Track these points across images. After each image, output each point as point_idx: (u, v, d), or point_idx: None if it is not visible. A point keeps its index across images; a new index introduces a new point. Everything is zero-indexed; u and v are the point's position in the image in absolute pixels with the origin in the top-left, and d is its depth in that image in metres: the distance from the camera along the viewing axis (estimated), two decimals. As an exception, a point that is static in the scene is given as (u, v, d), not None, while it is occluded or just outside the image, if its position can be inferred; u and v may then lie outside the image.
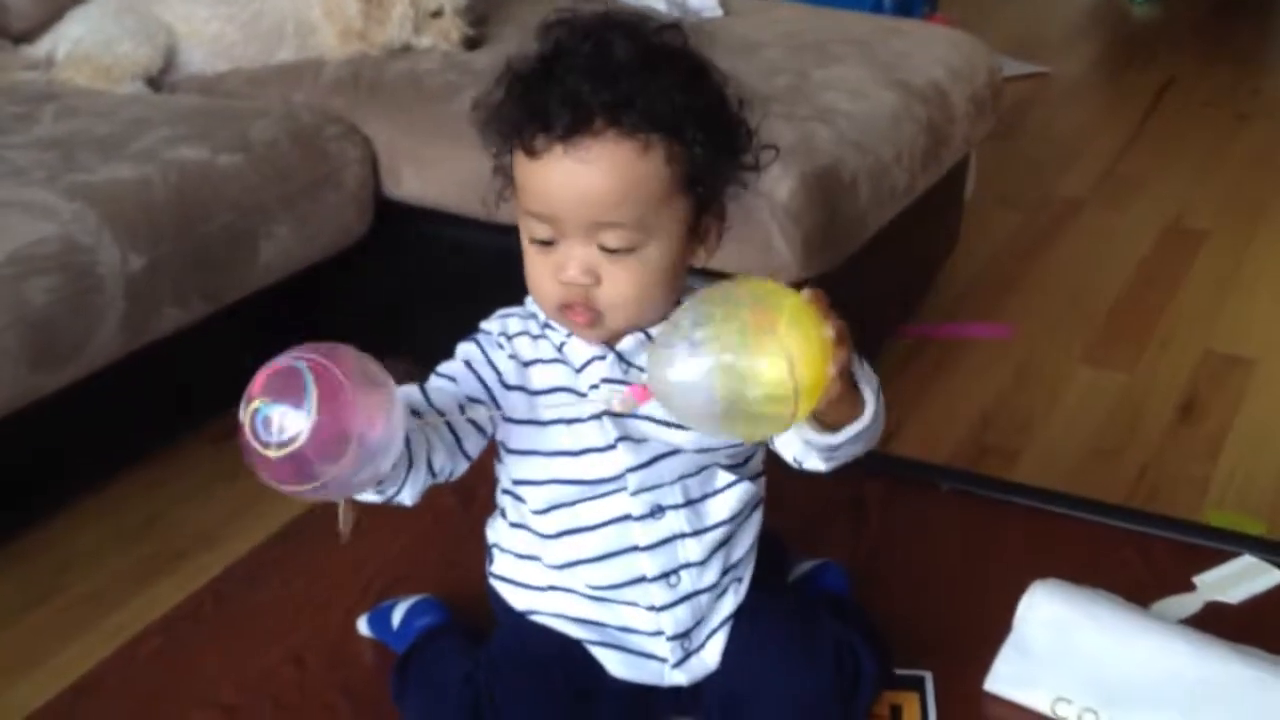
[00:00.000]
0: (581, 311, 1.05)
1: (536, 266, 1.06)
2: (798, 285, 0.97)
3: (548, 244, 1.05)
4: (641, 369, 1.08)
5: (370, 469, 0.92)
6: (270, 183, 2.19)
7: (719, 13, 2.79)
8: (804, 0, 3.12)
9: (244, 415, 0.90)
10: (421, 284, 2.45)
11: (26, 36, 2.52)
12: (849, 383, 0.98)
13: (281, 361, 0.91)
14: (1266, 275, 3.10)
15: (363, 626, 1.30)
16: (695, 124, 1.02)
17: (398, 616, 1.27)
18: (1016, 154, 3.71)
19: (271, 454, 0.89)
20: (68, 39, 2.45)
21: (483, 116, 1.06)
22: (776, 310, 0.90)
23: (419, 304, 2.44)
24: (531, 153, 1.02)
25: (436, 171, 2.31)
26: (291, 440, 0.88)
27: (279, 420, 0.88)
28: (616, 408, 0.99)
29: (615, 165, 1.00)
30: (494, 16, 2.70)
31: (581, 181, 1.01)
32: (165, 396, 2.27)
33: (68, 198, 1.95)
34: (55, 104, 2.29)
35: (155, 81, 2.46)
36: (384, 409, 0.92)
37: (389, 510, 1.06)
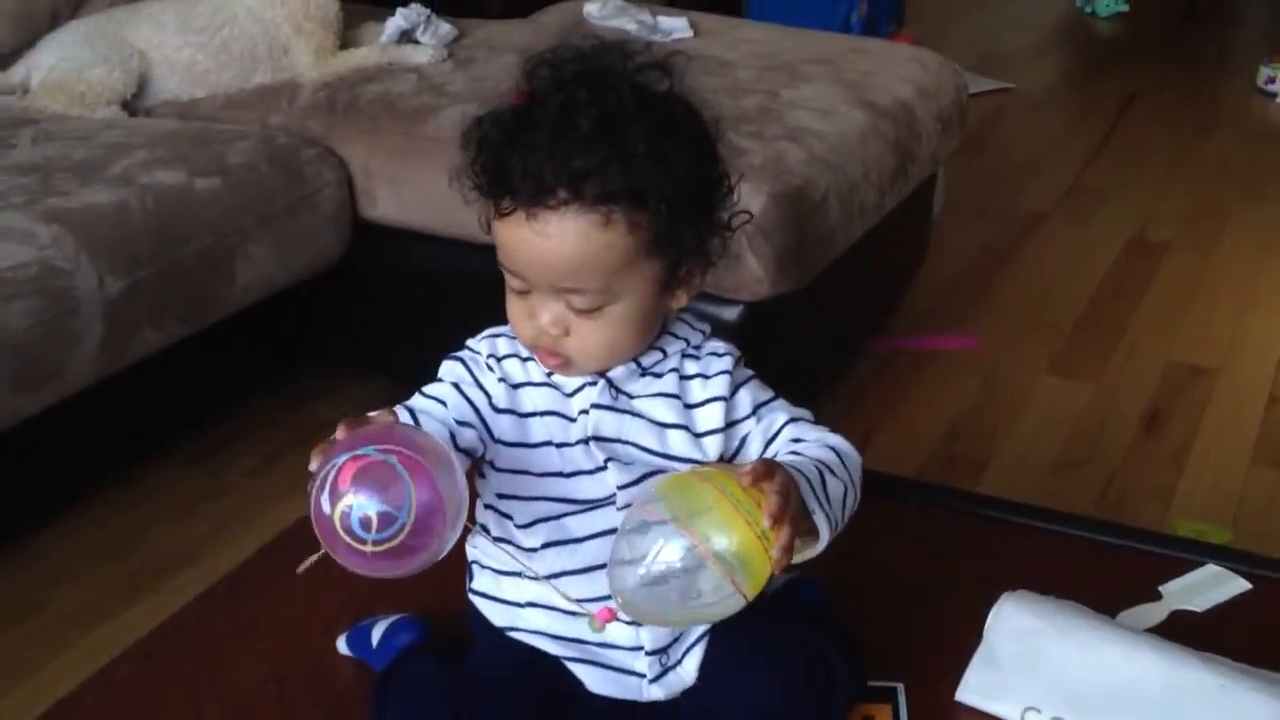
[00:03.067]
0: (551, 356, 1.09)
1: (513, 305, 1.09)
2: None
3: (523, 292, 1.07)
4: (630, 395, 1.12)
5: (450, 541, 0.96)
6: (247, 205, 2.21)
7: (689, 33, 2.82)
8: (773, 21, 3.16)
9: (330, 508, 0.92)
10: (399, 305, 2.46)
11: (1, 63, 2.52)
12: (801, 529, 1.01)
13: (366, 454, 0.92)
14: (1228, 285, 3.15)
15: (342, 645, 1.30)
16: (659, 192, 1.02)
17: (377, 635, 1.27)
18: (983, 169, 3.75)
19: (369, 549, 0.92)
20: (40, 66, 2.45)
21: (458, 168, 1.07)
22: (711, 513, 0.96)
23: (397, 325, 2.45)
24: (500, 212, 1.05)
25: (412, 192, 2.32)
26: (392, 538, 0.91)
27: (378, 519, 0.91)
28: (593, 630, 1.04)
29: (574, 238, 1.02)
30: (468, 39, 2.72)
31: (542, 251, 1.03)
32: (144, 417, 2.28)
33: (46, 222, 1.96)
34: (32, 129, 2.30)
35: (130, 106, 2.46)
36: (457, 483, 0.95)
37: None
